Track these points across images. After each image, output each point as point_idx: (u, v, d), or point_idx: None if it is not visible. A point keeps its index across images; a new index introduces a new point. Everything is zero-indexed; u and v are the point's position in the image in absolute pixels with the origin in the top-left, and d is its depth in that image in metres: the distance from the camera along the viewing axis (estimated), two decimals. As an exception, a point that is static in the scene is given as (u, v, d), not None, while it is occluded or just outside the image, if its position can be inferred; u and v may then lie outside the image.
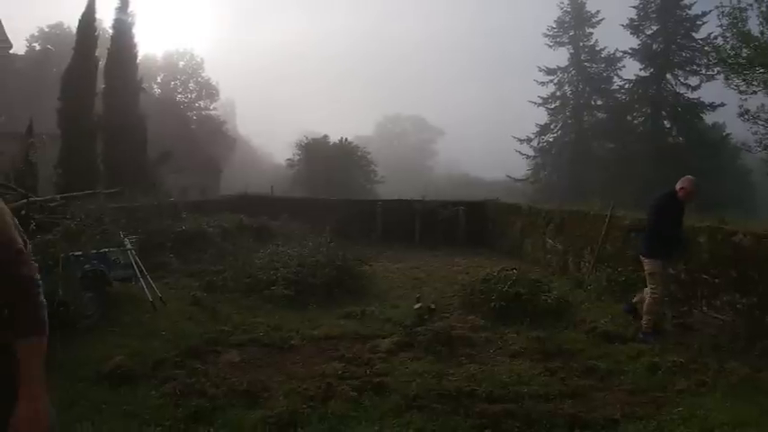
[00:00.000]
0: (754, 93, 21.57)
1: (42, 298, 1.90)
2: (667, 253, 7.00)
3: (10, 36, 32.03)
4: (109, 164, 19.54)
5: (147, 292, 7.90)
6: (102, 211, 9.75)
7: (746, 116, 23.10)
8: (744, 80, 21.34)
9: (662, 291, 6.93)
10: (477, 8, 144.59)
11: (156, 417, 4.48)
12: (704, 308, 7.47)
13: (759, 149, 24.39)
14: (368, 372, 5.63)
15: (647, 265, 7.00)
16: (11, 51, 32.90)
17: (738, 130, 31.48)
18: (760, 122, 23.01)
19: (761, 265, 6.60)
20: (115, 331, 6.78)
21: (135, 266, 8.20)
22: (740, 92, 21.93)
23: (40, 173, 14.80)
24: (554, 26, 44.93)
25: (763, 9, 19.79)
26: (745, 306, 6.75)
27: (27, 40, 41.80)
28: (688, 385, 5.36)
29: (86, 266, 7.21)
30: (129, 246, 8.44)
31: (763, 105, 22.54)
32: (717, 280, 7.28)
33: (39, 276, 1.91)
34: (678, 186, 7.02)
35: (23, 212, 7.42)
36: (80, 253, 7.16)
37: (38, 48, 41.00)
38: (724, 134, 38.86)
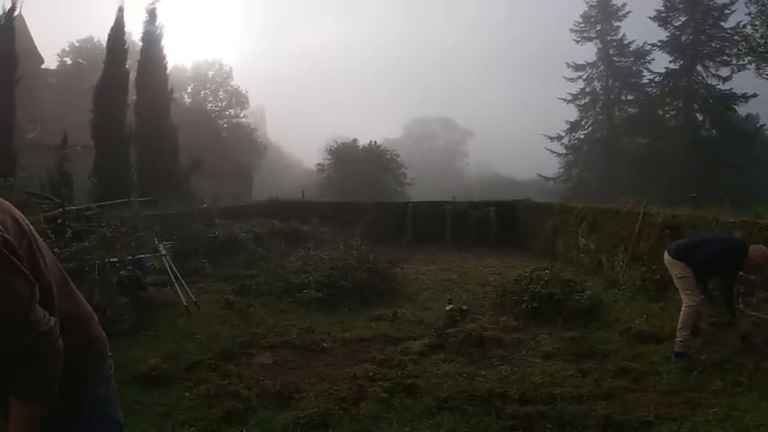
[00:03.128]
0: (788, 81, 20.99)
1: (58, 367, 1.65)
2: (700, 279, 6.22)
3: (41, 51, 33.02)
4: (142, 173, 19.96)
5: (181, 296, 8.05)
6: (137, 218, 9.97)
7: (781, 105, 22.50)
8: (776, 68, 20.80)
9: (698, 299, 6.14)
10: (502, 8, 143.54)
11: (189, 418, 4.58)
12: (740, 305, 7.31)
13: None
14: (399, 373, 5.64)
15: (680, 269, 6.23)
16: (43, 66, 33.85)
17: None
18: (795, 112, 22.38)
19: (798, 260, 6.43)
20: (150, 335, 6.92)
21: (170, 272, 8.36)
22: (773, 81, 21.36)
23: (75, 183, 15.17)
24: (581, 21, 44.47)
25: (793, -6, 19.28)
26: (783, 303, 6.59)
27: (58, 54, 42.98)
28: (723, 385, 5.24)
29: (122, 272, 7.36)
30: (163, 252, 8.62)
31: (796, 94, 21.93)
32: (753, 277, 7.10)
33: (60, 344, 1.65)
34: (750, 255, 5.94)
35: (59, 221, 7.62)
36: (116, 259, 7.33)
37: (69, 62, 42.05)
38: (759, 125, 37.93)
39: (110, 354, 2.00)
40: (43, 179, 14.16)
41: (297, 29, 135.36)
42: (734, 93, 37.99)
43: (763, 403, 4.78)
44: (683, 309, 6.14)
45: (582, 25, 44.40)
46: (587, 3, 44.11)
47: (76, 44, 43.41)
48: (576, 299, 7.91)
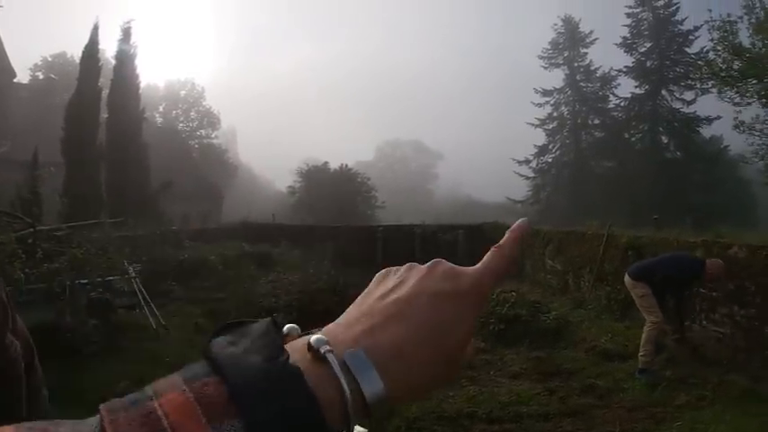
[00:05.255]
0: (749, 104, 21.59)
1: (22, 394, 1.58)
2: (660, 297, 6.43)
3: (14, 65, 32.59)
4: (112, 192, 19.76)
5: (150, 319, 7.99)
6: (107, 240, 9.88)
7: (742, 128, 23.13)
8: (737, 92, 21.41)
9: (660, 316, 6.30)
10: (472, 34, 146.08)
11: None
12: (703, 321, 7.53)
13: (756, 160, 24.40)
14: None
15: (640, 288, 6.43)
16: (15, 80, 33.39)
17: (736, 142, 31.57)
18: (755, 133, 23.06)
19: (757, 276, 6.68)
20: (119, 358, 6.86)
21: (139, 294, 8.30)
22: (734, 104, 21.98)
23: (45, 201, 14.97)
24: (549, 48, 45.44)
25: (753, 21, 20.01)
26: (744, 318, 6.81)
27: (31, 69, 42.29)
28: (688, 400, 5.42)
29: (92, 294, 7.30)
30: (132, 274, 8.55)
31: (758, 116, 22.58)
32: (714, 293, 7.34)
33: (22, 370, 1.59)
34: (709, 268, 6.20)
35: (30, 241, 7.55)
36: (86, 281, 7.27)
37: (41, 77, 41.51)
38: (722, 146, 39.00)
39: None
40: (13, 196, 13.94)
41: (270, 50, 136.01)
42: (698, 116, 39.03)
43: (727, 415, 4.94)
44: (645, 326, 6.32)
45: (550, 52, 45.36)
46: (555, 30, 45.27)
47: (49, 59, 42.88)
48: (543, 319, 8.08)
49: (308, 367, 0.39)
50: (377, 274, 0.55)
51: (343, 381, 0.40)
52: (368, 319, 0.47)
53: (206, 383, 0.36)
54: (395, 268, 0.55)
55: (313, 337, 0.43)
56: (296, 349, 0.41)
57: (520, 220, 0.59)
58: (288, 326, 0.47)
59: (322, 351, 0.41)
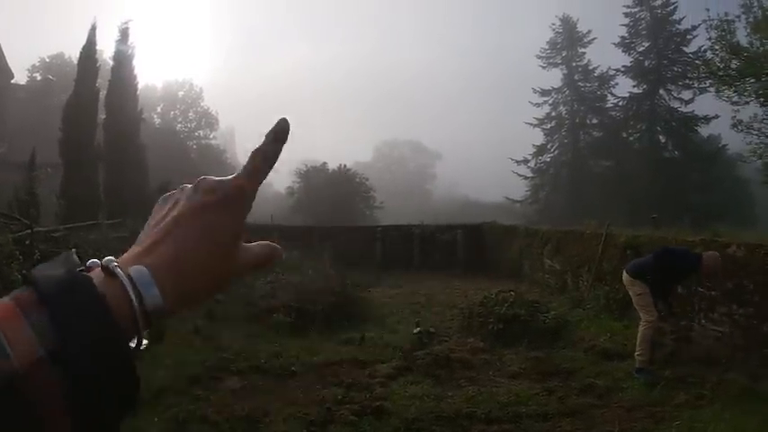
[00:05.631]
0: (746, 103, 21.59)
1: None
2: (653, 293, 6.45)
3: (11, 66, 32.56)
4: (110, 193, 19.71)
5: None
6: (105, 241, 9.86)
7: (740, 127, 23.13)
8: (735, 91, 21.42)
9: (656, 314, 6.37)
10: (471, 34, 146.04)
11: (158, 444, 4.54)
12: (702, 321, 7.53)
13: (754, 159, 24.40)
14: (367, 396, 5.69)
15: (637, 286, 6.47)
16: (12, 81, 33.36)
17: (734, 141, 31.62)
18: (753, 132, 23.04)
19: (755, 275, 6.69)
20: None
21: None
22: (732, 103, 21.98)
23: (42, 202, 14.94)
24: (547, 47, 45.48)
25: (751, 20, 20.01)
26: (742, 317, 6.82)
27: (28, 70, 42.18)
28: (687, 399, 5.42)
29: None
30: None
31: (755, 115, 22.55)
32: (713, 292, 7.35)
33: None
34: (705, 261, 6.18)
35: (28, 242, 7.53)
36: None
37: (39, 78, 41.43)
38: (720, 146, 39.03)
39: None
40: (10, 197, 13.91)
41: (268, 50, 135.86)
42: (695, 115, 39.09)
43: (726, 414, 4.94)
44: (641, 325, 6.35)
45: (548, 51, 45.41)
46: (553, 30, 45.33)
47: (47, 60, 42.76)
48: (542, 319, 8.07)
49: (101, 282, 0.48)
50: (159, 200, 0.61)
51: (129, 287, 0.49)
52: (149, 240, 0.55)
53: (23, 293, 0.45)
54: (170, 192, 0.61)
55: (105, 259, 0.51)
56: (95, 274, 0.50)
57: (280, 119, 0.60)
58: (91, 260, 0.53)
59: (110, 267, 0.50)
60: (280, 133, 0.60)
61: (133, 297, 0.48)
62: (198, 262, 0.54)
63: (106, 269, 0.50)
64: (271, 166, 0.60)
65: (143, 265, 0.51)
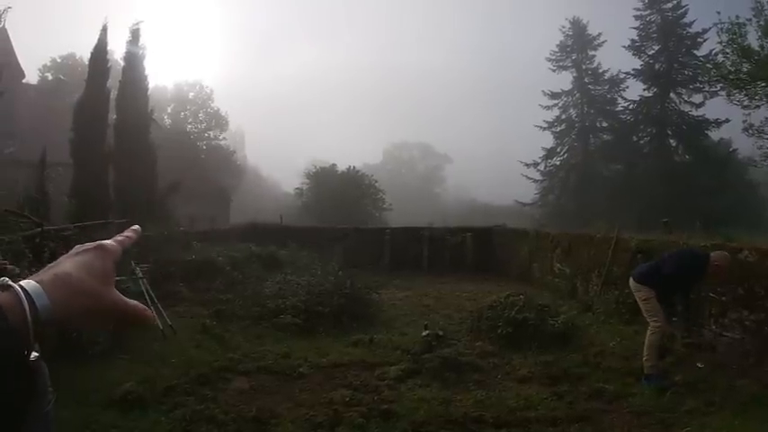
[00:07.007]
0: (758, 107, 21.48)
1: None
2: (662, 297, 6.33)
3: (23, 66, 32.80)
4: (120, 193, 19.78)
5: (157, 320, 7.97)
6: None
7: (751, 130, 23.01)
8: (746, 95, 21.30)
9: (664, 319, 6.25)
10: (481, 36, 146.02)
11: (166, 443, 4.54)
12: (713, 326, 7.47)
13: (765, 163, 24.23)
14: (375, 399, 5.67)
15: (643, 292, 6.35)
16: (24, 81, 33.58)
17: (745, 145, 31.45)
18: (765, 136, 22.88)
19: (766, 280, 6.62)
20: (126, 358, 6.84)
21: (146, 295, 8.29)
22: (743, 107, 21.88)
23: (53, 201, 15.03)
24: (557, 50, 45.35)
25: (762, 23, 19.86)
26: (754, 323, 6.77)
27: (40, 69, 42.42)
28: (697, 405, 5.36)
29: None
30: (139, 275, 8.55)
31: (767, 119, 22.47)
32: (724, 298, 7.29)
33: None
34: (714, 261, 6.09)
35: (38, 241, 7.56)
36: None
37: (50, 78, 41.69)
38: (730, 150, 38.77)
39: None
40: (21, 196, 13.99)
41: (277, 51, 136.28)
42: (706, 119, 38.90)
43: (736, 421, 4.89)
44: (648, 331, 6.26)
45: (558, 54, 45.30)
46: (563, 32, 45.20)
47: (58, 60, 43.01)
48: (551, 323, 8.02)
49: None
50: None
51: (21, 295, 0.63)
52: (45, 269, 0.72)
53: None
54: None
55: (2, 278, 0.65)
56: None
57: (136, 227, 0.94)
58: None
59: (5, 283, 0.64)
60: (136, 236, 0.92)
61: (26, 304, 0.62)
62: (78, 282, 0.70)
63: (3, 286, 0.64)
64: (129, 245, 0.88)
65: (35, 281, 0.67)
